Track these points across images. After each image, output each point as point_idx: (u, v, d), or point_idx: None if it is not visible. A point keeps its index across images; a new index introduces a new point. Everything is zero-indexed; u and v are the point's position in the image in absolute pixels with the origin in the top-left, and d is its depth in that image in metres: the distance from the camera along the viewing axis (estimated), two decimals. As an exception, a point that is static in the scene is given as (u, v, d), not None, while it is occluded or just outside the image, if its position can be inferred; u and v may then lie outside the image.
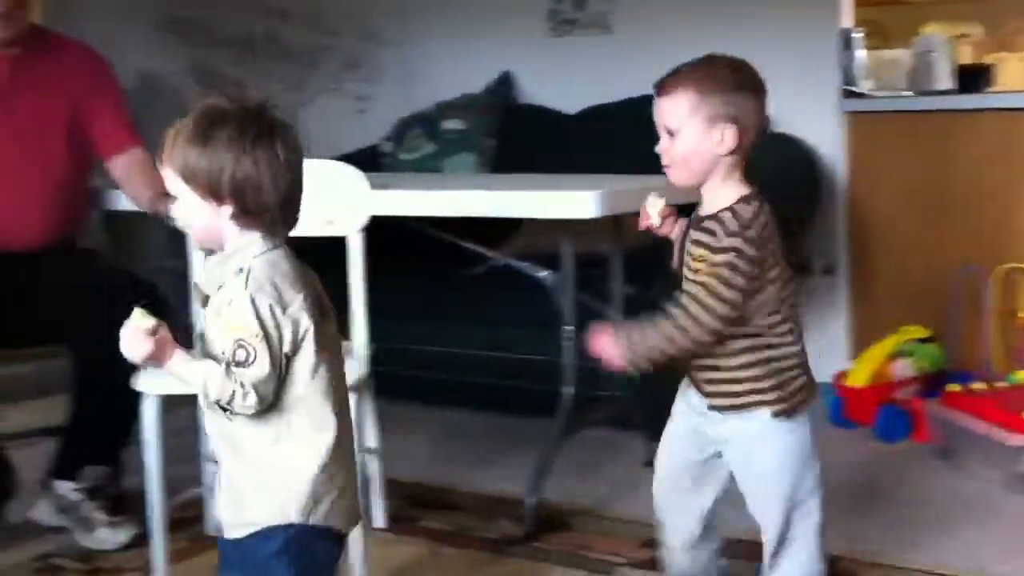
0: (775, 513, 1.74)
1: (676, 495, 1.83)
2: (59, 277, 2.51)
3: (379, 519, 2.47)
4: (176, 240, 3.46)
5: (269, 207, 1.42)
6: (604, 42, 3.85)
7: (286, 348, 1.41)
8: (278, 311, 1.40)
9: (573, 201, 2.31)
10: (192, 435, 2.31)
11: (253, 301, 1.39)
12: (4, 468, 2.58)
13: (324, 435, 1.46)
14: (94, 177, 2.78)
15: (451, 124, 3.88)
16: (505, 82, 4.01)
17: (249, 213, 1.42)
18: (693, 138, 1.68)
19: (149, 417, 2.09)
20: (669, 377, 1.83)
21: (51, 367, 2.99)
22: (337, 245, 2.43)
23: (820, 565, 1.78)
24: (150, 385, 2.06)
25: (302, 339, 1.42)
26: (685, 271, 1.71)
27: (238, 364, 1.38)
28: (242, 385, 1.38)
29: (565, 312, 2.55)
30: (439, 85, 4.06)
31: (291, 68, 4.31)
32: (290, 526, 1.44)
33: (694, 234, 1.70)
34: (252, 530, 1.45)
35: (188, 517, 2.41)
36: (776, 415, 1.71)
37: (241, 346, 1.38)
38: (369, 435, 2.42)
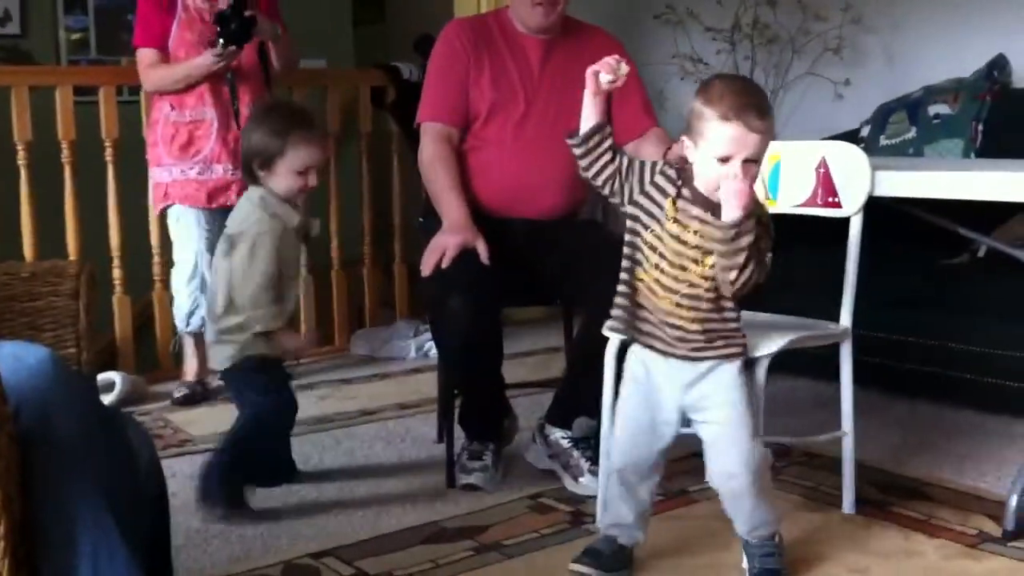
0: None
1: None
2: (568, 243, 2.75)
3: (849, 502, 2.50)
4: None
5: None
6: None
7: None
8: None
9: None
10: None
11: None
12: (507, 415, 2.89)
13: None
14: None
15: (938, 109, 3.75)
16: (998, 65, 3.80)
17: None
18: None
19: (609, 355, 2.34)
20: None
21: (547, 330, 3.31)
22: (825, 222, 2.49)
23: None
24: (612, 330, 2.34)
25: None
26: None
27: None
28: None
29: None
30: (925, 69, 3.94)
31: (773, 53, 4.37)
32: None
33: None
34: None
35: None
36: None
37: None
38: (844, 419, 2.45)
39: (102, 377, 3.44)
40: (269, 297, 2.45)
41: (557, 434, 2.77)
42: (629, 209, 2.07)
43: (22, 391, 1.40)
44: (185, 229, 3.57)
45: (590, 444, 2.71)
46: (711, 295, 2.01)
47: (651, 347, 2.07)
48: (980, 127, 3.66)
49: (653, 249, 2.03)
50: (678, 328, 2.02)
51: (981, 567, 2.22)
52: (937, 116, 3.75)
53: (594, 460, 2.63)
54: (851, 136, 3.86)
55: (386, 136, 4.56)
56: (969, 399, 3.21)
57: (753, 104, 1.94)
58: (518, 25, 2.83)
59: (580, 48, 2.82)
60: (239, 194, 3.48)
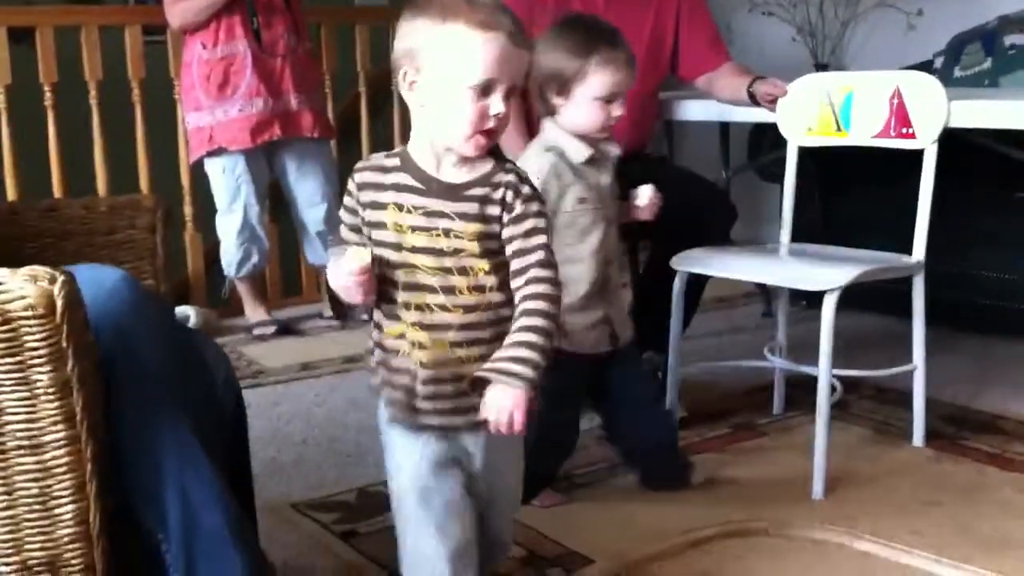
0: None
1: None
2: (636, 178, 2.73)
3: (919, 435, 2.49)
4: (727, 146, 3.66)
5: None
6: None
7: None
8: None
9: None
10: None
11: None
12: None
13: None
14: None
15: (1014, 39, 3.66)
16: (1079, -8, 3.69)
17: None
18: None
19: (677, 290, 2.44)
20: None
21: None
22: (898, 157, 2.45)
23: None
24: (680, 263, 2.44)
25: None
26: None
27: None
28: None
29: None
30: (1000, -1, 3.84)
31: (843, -15, 4.28)
32: None
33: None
34: None
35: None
36: None
37: None
38: (915, 352, 2.43)
39: (177, 311, 3.51)
40: None
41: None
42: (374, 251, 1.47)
43: (100, 312, 1.41)
44: (233, 180, 3.56)
45: (659, 378, 2.72)
46: (493, 315, 1.47)
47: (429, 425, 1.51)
48: (1058, 57, 3.57)
49: (397, 285, 1.47)
50: (456, 380, 1.46)
51: (1054, 501, 2.21)
52: (1013, 47, 3.66)
53: (662, 394, 2.64)
54: (924, 68, 3.76)
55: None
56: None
57: (507, 10, 1.43)
58: None
59: None
60: (284, 129, 3.53)
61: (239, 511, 1.46)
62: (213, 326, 3.69)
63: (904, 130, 2.42)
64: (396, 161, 1.47)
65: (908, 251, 2.39)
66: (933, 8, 4.11)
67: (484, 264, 1.44)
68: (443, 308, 1.44)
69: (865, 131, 2.49)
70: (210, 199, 3.66)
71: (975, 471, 2.36)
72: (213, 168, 3.60)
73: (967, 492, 2.25)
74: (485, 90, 1.39)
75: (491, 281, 1.44)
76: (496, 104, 1.40)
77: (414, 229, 1.43)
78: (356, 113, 4.26)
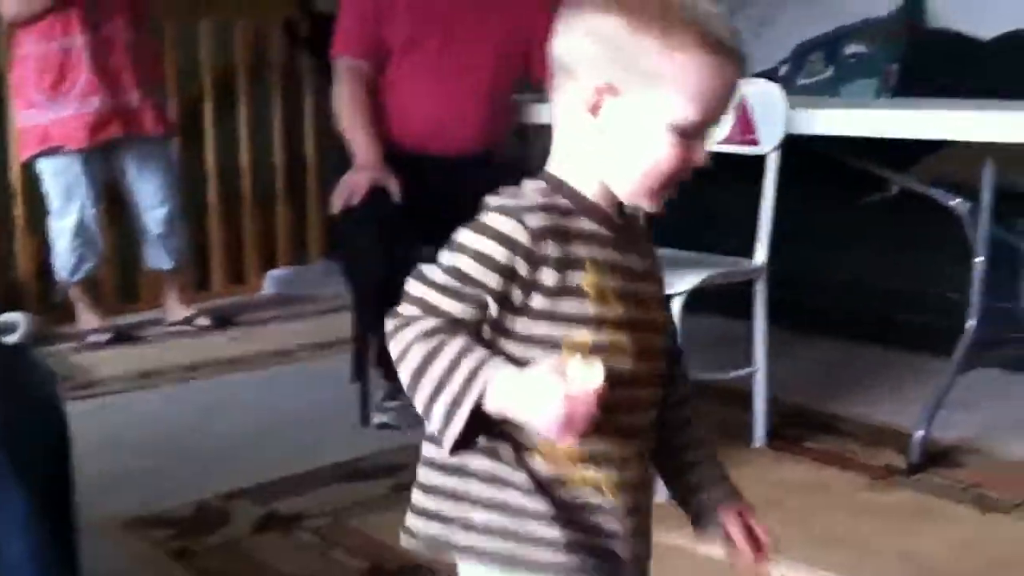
0: None
1: None
2: (479, 186, 2.71)
3: (760, 436, 2.53)
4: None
5: None
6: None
7: None
8: None
9: (1009, 124, 2.22)
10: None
11: None
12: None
13: None
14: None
15: (853, 48, 3.77)
16: (914, 4, 3.82)
17: None
18: None
19: None
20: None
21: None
22: (746, 160, 2.49)
23: None
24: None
25: None
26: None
27: None
28: None
29: (978, 244, 2.46)
30: (841, 8, 3.94)
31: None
32: None
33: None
34: None
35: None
36: None
37: None
38: (757, 354, 2.48)
39: (5, 318, 3.32)
40: None
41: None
42: (535, 330, 1.00)
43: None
44: (68, 181, 3.42)
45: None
46: (657, 415, 1.11)
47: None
48: (895, 67, 3.68)
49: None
50: (645, 507, 1.08)
51: (886, 498, 2.28)
52: (854, 56, 3.77)
53: None
54: (768, 75, 3.86)
55: (299, 70, 4.44)
56: (886, 337, 3.25)
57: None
58: None
59: None
60: (124, 127, 3.40)
61: (48, 540, 1.38)
62: (44, 334, 3.51)
63: (748, 136, 2.46)
64: (566, 201, 1.03)
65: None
66: (779, 17, 4.21)
67: (660, 342, 1.06)
68: (636, 406, 1.04)
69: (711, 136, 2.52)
70: (43, 200, 3.49)
71: (814, 470, 2.41)
72: (47, 168, 3.44)
73: (806, 491, 2.30)
74: (691, 132, 1.01)
75: (663, 367, 1.07)
76: (701, 151, 1.03)
77: (617, 296, 1.01)
78: (200, 111, 4.11)
